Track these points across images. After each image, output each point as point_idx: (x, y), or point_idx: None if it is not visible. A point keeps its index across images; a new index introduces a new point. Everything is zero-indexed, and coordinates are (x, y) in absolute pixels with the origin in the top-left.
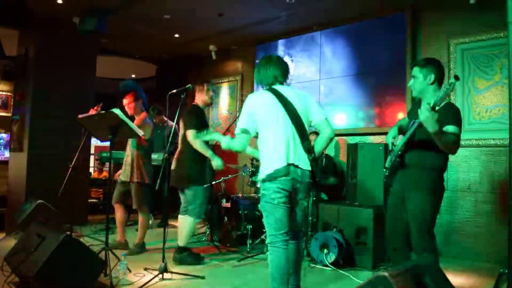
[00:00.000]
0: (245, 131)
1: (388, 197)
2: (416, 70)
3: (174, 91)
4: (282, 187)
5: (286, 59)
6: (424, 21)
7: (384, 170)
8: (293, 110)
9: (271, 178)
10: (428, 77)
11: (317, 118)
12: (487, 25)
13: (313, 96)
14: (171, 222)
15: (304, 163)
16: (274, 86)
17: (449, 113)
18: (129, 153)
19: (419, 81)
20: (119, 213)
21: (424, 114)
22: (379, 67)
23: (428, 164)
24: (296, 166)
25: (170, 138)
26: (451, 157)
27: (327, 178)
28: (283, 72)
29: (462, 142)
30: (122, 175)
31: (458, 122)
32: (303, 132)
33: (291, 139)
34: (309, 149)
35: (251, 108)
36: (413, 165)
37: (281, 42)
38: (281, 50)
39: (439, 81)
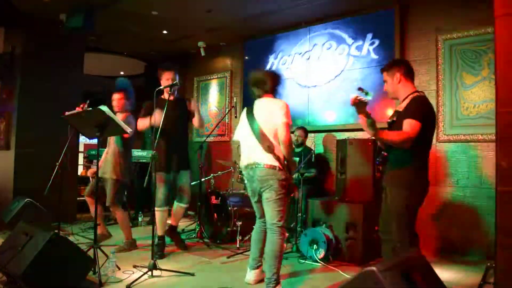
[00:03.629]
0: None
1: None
2: (385, 75)
3: (161, 87)
4: (247, 186)
5: (275, 57)
6: (412, 16)
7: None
8: (255, 123)
9: (243, 175)
10: (395, 78)
11: (277, 123)
12: (475, 20)
13: (303, 92)
14: None
15: (264, 160)
16: (256, 100)
17: (408, 108)
18: (110, 150)
19: (389, 83)
20: (93, 206)
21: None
22: (368, 63)
23: (402, 161)
24: (253, 165)
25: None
26: (440, 152)
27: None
28: (263, 84)
29: (450, 138)
30: (100, 170)
31: (414, 114)
32: (264, 138)
33: (251, 146)
34: (269, 149)
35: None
36: (391, 162)
37: (270, 38)
38: (269, 47)
39: (406, 77)
